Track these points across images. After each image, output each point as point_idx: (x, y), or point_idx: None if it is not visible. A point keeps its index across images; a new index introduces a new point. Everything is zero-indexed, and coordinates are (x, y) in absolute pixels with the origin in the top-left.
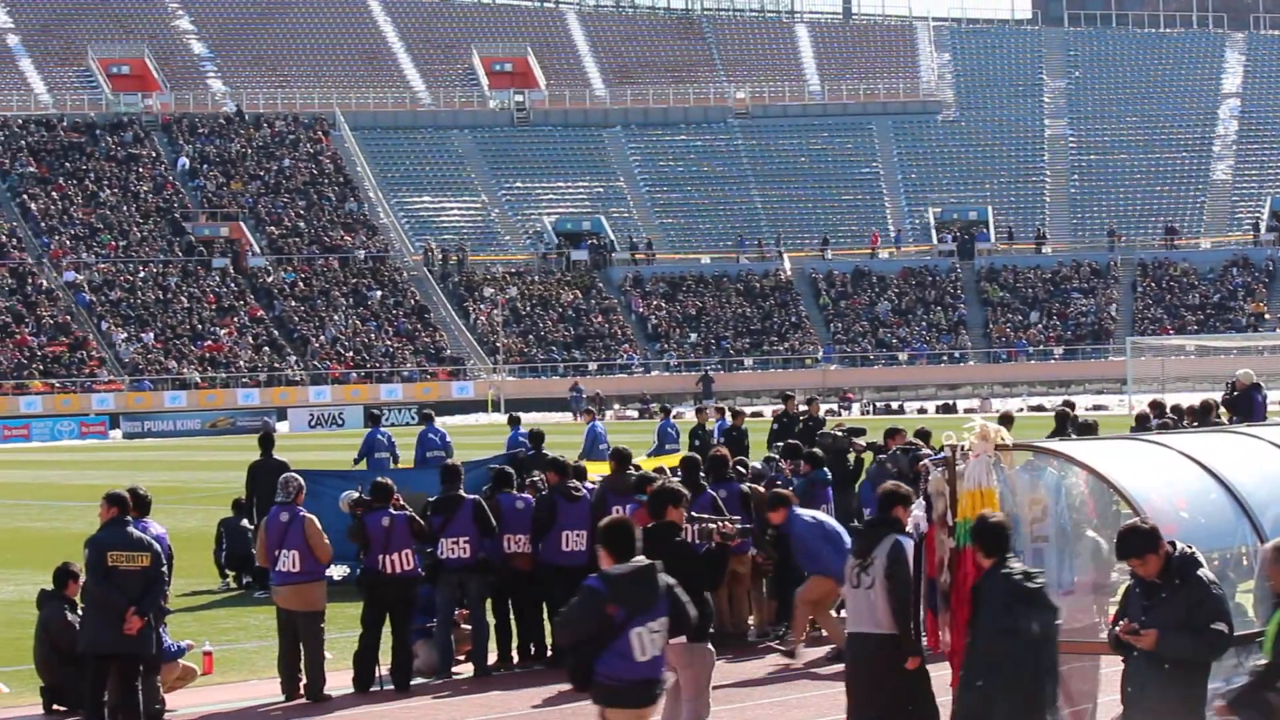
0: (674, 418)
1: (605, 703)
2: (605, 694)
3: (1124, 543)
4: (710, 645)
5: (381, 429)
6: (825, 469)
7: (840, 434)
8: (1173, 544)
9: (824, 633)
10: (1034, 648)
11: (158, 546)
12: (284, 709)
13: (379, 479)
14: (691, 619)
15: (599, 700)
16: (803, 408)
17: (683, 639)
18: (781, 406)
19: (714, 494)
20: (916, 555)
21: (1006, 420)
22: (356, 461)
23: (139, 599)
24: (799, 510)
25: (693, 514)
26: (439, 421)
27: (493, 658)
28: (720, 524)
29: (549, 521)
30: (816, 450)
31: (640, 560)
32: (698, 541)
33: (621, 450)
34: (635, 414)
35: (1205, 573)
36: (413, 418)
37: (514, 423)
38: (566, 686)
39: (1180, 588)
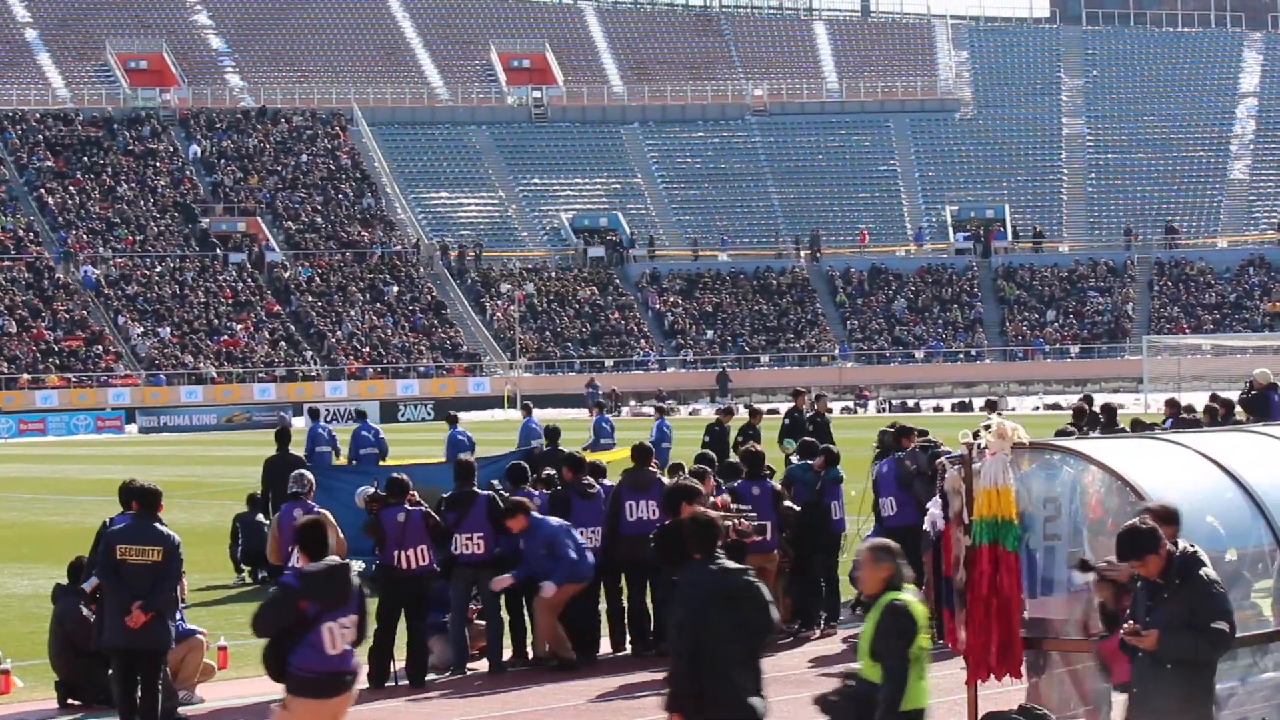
0: (690, 414)
1: (297, 692)
2: (297, 684)
3: (1123, 544)
4: None
5: (322, 424)
6: (839, 467)
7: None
8: (1175, 542)
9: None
10: (726, 640)
11: (175, 539)
12: None
13: (395, 474)
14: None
15: (291, 690)
16: (814, 405)
17: None
18: (793, 403)
19: (726, 491)
20: (934, 554)
21: (991, 406)
22: (350, 460)
23: (147, 593)
24: (539, 516)
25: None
26: (465, 420)
27: (508, 654)
28: (737, 520)
29: (563, 517)
30: (832, 446)
31: (333, 559)
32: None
33: (642, 446)
34: (651, 411)
35: (1208, 571)
36: (429, 414)
37: (452, 421)
38: (580, 682)
39: (1181, 587)
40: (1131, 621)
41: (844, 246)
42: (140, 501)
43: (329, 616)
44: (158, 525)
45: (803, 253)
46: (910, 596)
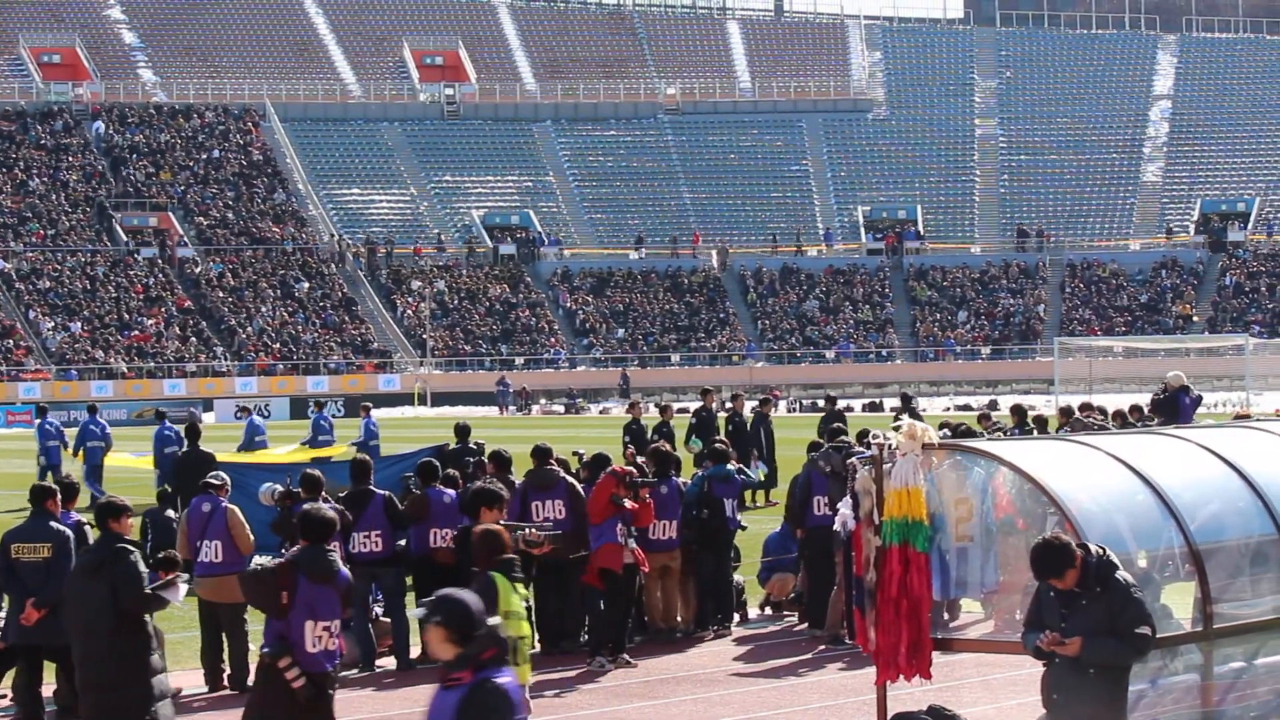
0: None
1: None
2: None
3: (1039, 563)
4: None
5: (49, 420)
6: (725, 464)
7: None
8: (1086, 547)
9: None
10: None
11: (65, 535)
12: (208, 699)
13: (309, 471)
14: None
15: None
16: (729, 404)
17: None
18: (701, 402)
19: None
20: (845, 554)
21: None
22: (75, 453)
23: (39, 589)
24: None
25: (504, 521)
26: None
27: (415, 651)
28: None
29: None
30: (719, 445)
31: None
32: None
33: (542, 446)
34: (561, 409)
35: (1123, 575)
36: (339, 410)
37: (159, 419)
38: None
39: (1101, 595)
40: (1048, 631)
41: (755, 246)
42: (30, 500)
43: None
44: (51, 523)
45: (714, 252)
46: None
